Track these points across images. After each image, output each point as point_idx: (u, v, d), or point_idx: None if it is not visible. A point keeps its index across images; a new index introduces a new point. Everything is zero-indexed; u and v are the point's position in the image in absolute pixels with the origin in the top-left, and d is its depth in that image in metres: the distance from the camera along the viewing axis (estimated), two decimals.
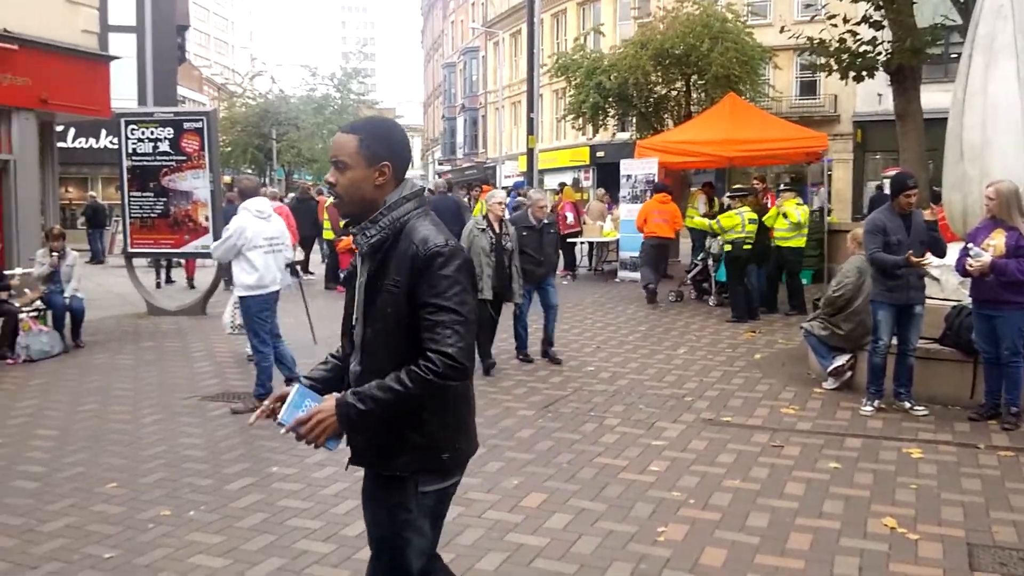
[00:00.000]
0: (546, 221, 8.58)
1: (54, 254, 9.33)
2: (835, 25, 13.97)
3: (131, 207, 11.31)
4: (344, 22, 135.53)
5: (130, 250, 11.73)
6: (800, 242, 11.30)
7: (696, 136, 14.80)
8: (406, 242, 2.35)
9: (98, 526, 4.42)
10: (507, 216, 8.84)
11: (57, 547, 4.16)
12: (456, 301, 2.30)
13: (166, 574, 3.87)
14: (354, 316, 2.51)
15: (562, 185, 20.14)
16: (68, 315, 9.32)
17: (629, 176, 15.31)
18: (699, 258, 12.58)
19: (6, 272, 9.43)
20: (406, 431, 2.37)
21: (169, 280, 15.62)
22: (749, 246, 10.92)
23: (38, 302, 9.24)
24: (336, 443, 2.36)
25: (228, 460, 5.46)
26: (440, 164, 60.15)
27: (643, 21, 24.26)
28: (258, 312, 6.58)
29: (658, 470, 5.27)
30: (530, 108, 20.74)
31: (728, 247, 10.96)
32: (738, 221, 10.87)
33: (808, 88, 31.56)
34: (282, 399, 2.40)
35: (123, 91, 19.72)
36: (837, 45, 14.05)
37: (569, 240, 15.68)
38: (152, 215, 11.25)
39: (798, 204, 11.27)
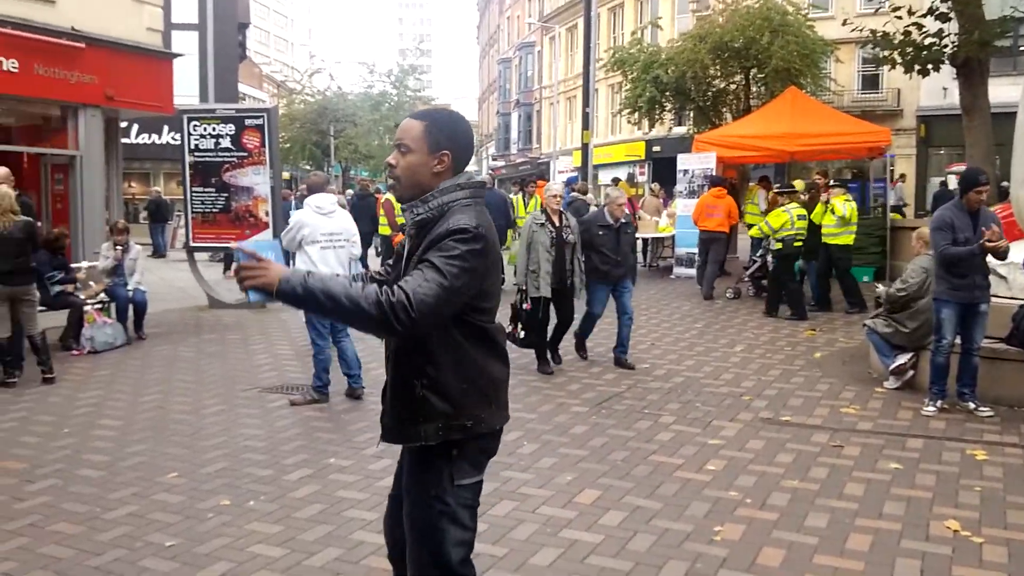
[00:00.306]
0: (623, 220, 8.10)
1: (118, 248, 9.56)
2: (900, 17, 13.63)
3: (193, 202, 11.55)
4: (401, 19, 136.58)
5: (192, 244, 11.98)
6: (847, 239, 11.09)
7: (756, 130, 14.57)
8: (444, 224, 2.39)
9: (160, 514, 4.52)
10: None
11: (120, 534, 4.26)
12: (452, 271, 2.30)
13: (225, 563, 3.93)
14: None
15: (615, 180, 20.02)
16: (131, 308, 9.55)
17: (686, 171, 15.14)
18: (758, 254, 12.38)
19: (73, 265, 9.69)
20: (428, 394, 2.40)
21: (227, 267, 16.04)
22: (800, 243, 10.82)
23: (102, 295, 9.48)
24: (258, 297, 2.33)
25: (286, 451, 5.54)
26: (494, 160, 60.22)
27: (702, 14, 23.99)
28: None
29: (715, 469, 5.20)
30: (585, 103, 20.61)
31: (779, 245, 10.83)
32: (787, 218, 10.74)
33: (870, 82, 30.85)
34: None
35: (185, 88, 20.18)
36: (902, 38, 13.72)
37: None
38: (213, 210, 11.47)
39: (846, 200, 11.04)
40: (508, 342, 6.72)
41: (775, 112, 14.79)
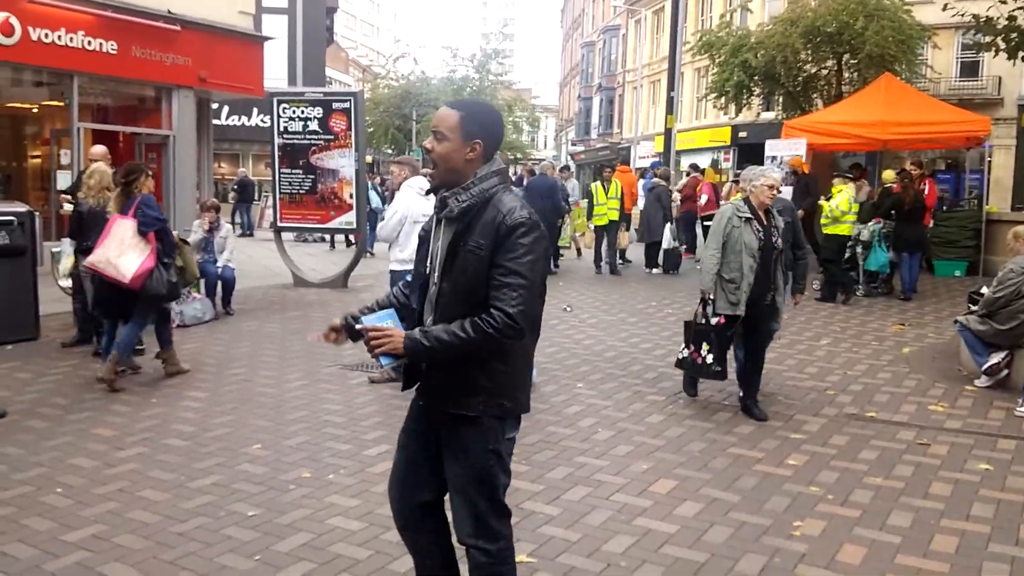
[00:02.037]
0: (778, 209, 6.34)
1: (209, 224, 9.85)
2: (1004, 1, 13.00)
3: (281, 183, 11.81)
4: (485, 2, 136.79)
5: (279, 224, 12.27)
6: (840, 229, 11.24)
7: (848, 117, 14.15)
8: (493, 211, 2.59)
9: (243, 485, 4.65)
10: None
11: (205, 503, 4.40)
12: (527, 268, 2.53)
13: (305, 534, 4.02)
14: (434, 276, 2.71)
15: (693, 166, 19.60)
16: (219, 284, 9.84)
17: (774, 157, 14.77)
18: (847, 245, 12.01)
19: None
20: (476, 374, 2.62)
21: (332, 246, 18.69)
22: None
23: None
24: (390, 361, 2.62)
25: (366, 427, 5.63)
26: (573, 144, 59.96)
27: None
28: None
29: (796, 464, 5.09)
30: (670, 87, 20.35)
31: (834, 228, 11.17)
32: (847, 200, 11.11)
33: (969, 69, 29.55)
34: (336, 329, 2.83)
35: (274, 71, 20.64)
36: (1006, 23, 13.10)
37: (706, 222, 15.33)
38: (300, 191, 11.71)
39: (840, 191, 11.31)
40: (687, 371, 6.26)
41: (868, 99, 14.32)
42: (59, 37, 12.04)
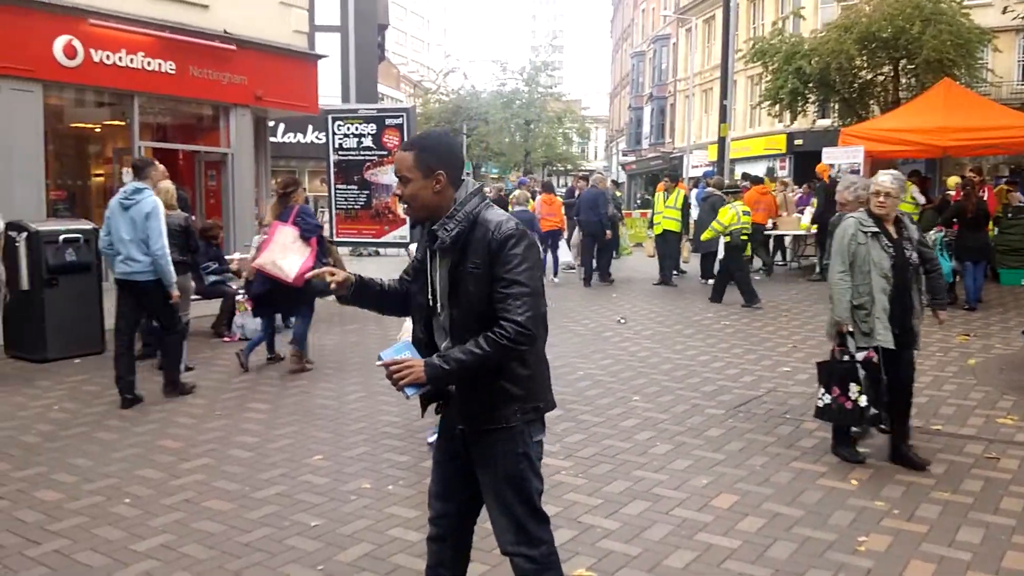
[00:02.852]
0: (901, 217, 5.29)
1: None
2: None
3: (337, 199, 11.99)
4: (535, 15, 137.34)
5: (335, 239, 12.44)
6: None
7: (907, 123, 13.90)
8: (481, 229, 2.69)
9: (305, 495, 4.72)
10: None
11: (268, 513, 4.47)
12: (525, 276, 2.64)
13: (366, 544, 4.06)
14: (438, 305, 2.80)
15: (745, 175, 19.37)
16: None
17: (832, 165, 14.58)
18: None
19: (226, 257, 10.23)
20: (505, 385, 2.71)
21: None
22: (746, 236, 12.26)
23: None
24: (415, 391, 2.70)
25: (423, 439, 5.67)
26: (624, 155, 59.71)
27: (848, 3, 23.02)
28: None
29: (860, 478, 4.98)
30: (723, 95, 20.18)
31: (727, 239, 11.96)
32: (734, 215, 11.92)
33: None
34: (340, 282, 2.90)
35: (327, 88, 20.95)
36: None
37: (765, 233, 15.18)
38: (356, 207, 11.88)
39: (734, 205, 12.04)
40: (834, 421, 5.24)
41: (927, 105, 14.06)
42: (120, 59, 12.39)
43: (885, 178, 5.12)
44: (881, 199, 5.06)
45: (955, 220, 11.39)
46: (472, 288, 2.69)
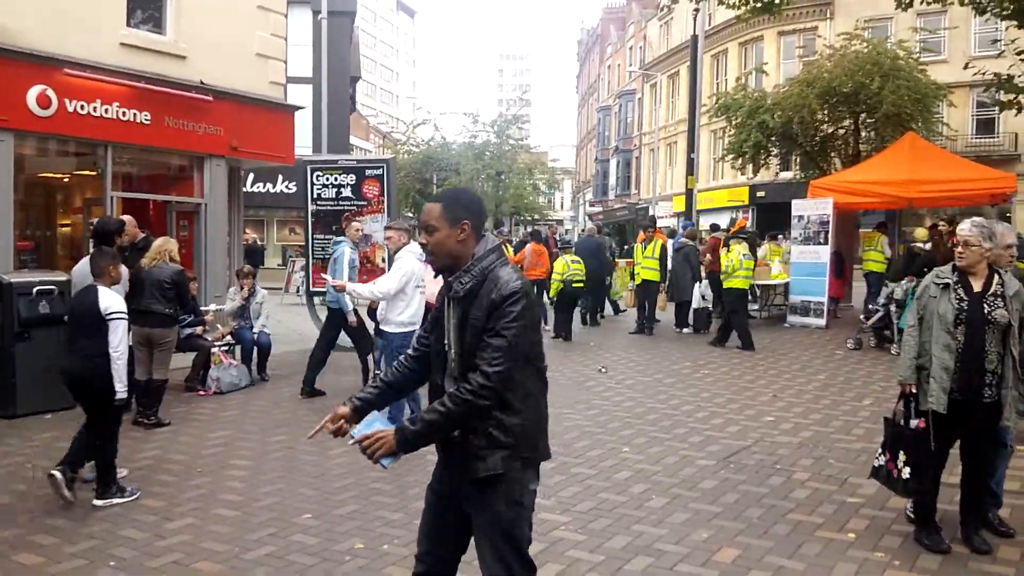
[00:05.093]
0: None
1: (247, 291, 9.90)
2: None
3: (315, 249, 11.90)
4: (501, 70, 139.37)
5: (312, 289, 12.33)
6: (737, 283, 12.34)
7: (874, 176, 14.24)
8: (491, 285, 2.80)
9: (297, 556, 4.58)
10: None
11: None
12: (512, 333, 2.72)
13: None
14: (451, 352, 2.90)
15: (714, 227, 19.66)
16: (255, 350, 9.84)
17: (801, 217, 14.82)
18: (879, 303, 11.94)
19: (202, 308, 10.07)
20: (493, 432, 2.76)
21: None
22: (580, 283, 13.70)
23: (228, 337, 9.80)
24: (390, 461, 2.79)
25: (415, 495, 5.53)
26: (591, 205, 60.34)
27: (808, 59, 23.63)
28: (399, 347, 6.72)
29: (858, 528, 4.97)
30: (690, 148, 20.52)
31: (559, 285, 13.38)
32: (564, 264, 13.55)
33: (985, 126, 29.82)
34: (335, 419, 2.99)
35: (300, 139, 20.97)
36: None
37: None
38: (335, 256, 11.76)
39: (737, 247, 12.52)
40: (882, 483, 4.92)
41: (893, 158, 14.42)
42: (94, 108, 12.26)
43: (965, 226, 4.61)
44: (960, 249, 4.57)
45: (926, 269, 11.56)
46: (469, 339, 2.78)
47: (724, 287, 12.60)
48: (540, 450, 2.91)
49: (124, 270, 6.52)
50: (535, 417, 2.87)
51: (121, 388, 5.55)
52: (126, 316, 5.75)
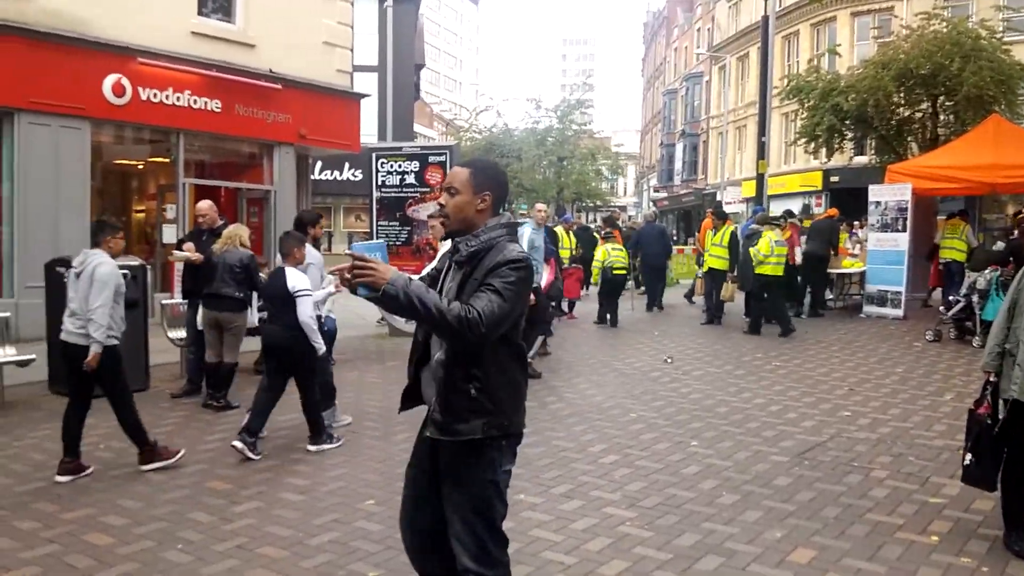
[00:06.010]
0: None
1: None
2: None
3: (378, 235, 11.96)
4: (565, 55, 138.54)
5: None
6: (770, 269, 12.27)
7: (955, 160, 13.65)
8: (496, 254, 2.85)
9: (360, 543, 4.55)
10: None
11: (324, 562, 4.31)
12: (509, 291, 2.76)
13: None
14: None
15: (787, 212, 19.14)
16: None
17: (878, 203, 14.31)
18: (962, 294, 11.46)
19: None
20: (479, 397, 2.83)
21: None
22: (622, 270, 13.88)
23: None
24: (367, 293, 2.69)
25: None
26: (656, 191, 59.61)
27: (884, 40, 22.86)
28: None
29: (940, 531, 4.73)
30: (761, 131, 20.02)
31: (761, 268, 12.36)
32: (604, 251, 13.68)
33: None
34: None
35: (366, 127, 21.14)
36: None
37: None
38: (397, 243, 11.83)
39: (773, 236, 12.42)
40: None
41: (976, 141, 13.81)
42: (167, 96, 12.51)
43: None
44: None
45: (1011, 259, 11.07)
46: (466, 299, 2.79)
47: (755, 273, 12.42)
48: (516, 423, 2.95)
49: (311, 251, 7.03)
50: (512, 390, 2.93)
51: (319, 344, 6.51)
52: (311, 292, 6.47)
